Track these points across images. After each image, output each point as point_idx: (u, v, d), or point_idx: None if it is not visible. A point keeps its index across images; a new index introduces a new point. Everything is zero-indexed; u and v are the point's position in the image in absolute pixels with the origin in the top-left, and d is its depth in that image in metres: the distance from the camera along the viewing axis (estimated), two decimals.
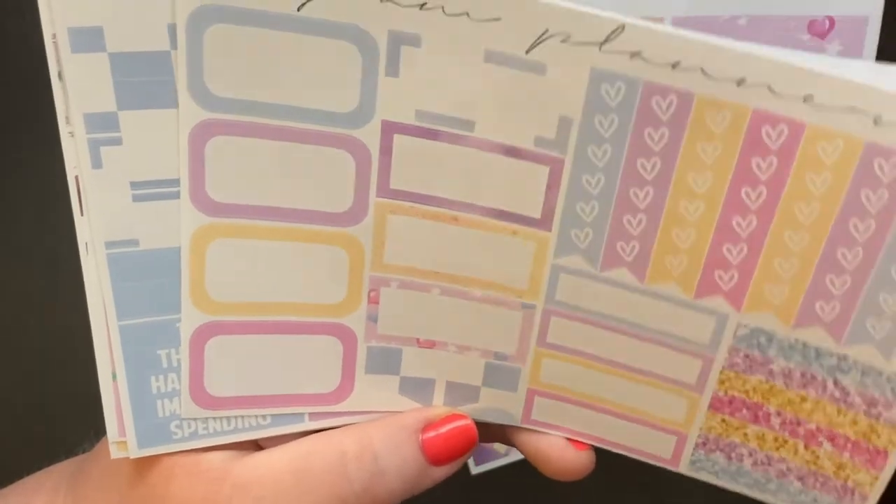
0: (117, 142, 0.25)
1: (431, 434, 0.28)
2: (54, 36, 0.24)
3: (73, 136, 0.25)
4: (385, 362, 0.29)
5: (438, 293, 0.28)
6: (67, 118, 0.25)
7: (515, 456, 0.51)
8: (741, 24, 0.25)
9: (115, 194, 0.26)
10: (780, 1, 0.32)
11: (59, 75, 0.25)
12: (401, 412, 0.29)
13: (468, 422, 0.29)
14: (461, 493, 0.51)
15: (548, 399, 0.29)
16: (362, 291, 0.28)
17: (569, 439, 0.30)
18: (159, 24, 0.24)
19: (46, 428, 0.48)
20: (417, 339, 0.29)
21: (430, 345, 0.29)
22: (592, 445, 0.30)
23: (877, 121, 0.23)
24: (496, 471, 0.51)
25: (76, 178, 0.26)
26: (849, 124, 0.23)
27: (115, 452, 0.28)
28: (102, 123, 0.25)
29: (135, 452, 0.28)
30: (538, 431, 0.30)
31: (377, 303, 0.28)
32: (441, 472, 0.28)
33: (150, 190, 0.26)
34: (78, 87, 0.24)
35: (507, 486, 0.52)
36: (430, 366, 0.29)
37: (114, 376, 0.27)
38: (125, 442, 0.28)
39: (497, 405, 0.29)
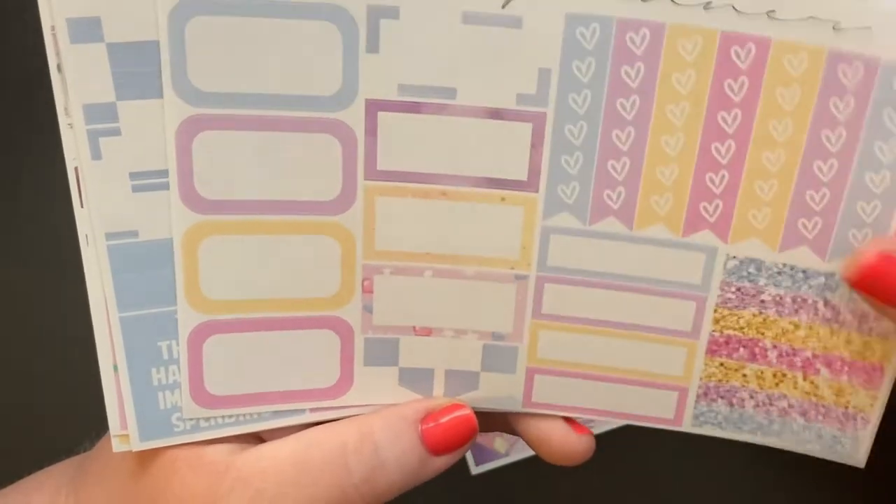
0: (116, 132, 0.25)
1: (431, 424, 0.28)
2: (53, 28, 0.24)
3: (72, 127, 0.25)
4: (383, 353, 0.29)
5: (431, 275, 0.28)
6: (67, 110, 0.25)
7: (515, 456, 0.51)
8: None
9: (114, 185, 0.26)
10: None
11: (59, 67, 0.25)
12: (400, 404, 0.29)
13: (468, 412, 0.29)
14: (461, 493, 0.51)
15: (547, 376, 0.29)
16: (355, 282, 0.28)
17: (569, 423, 0.30)
18: (157, 15, 0.24)
19: (46, 428, 0.48)
20: (414, 327, 0.29)
21: (427, 332, 0.29)
22: (593, 433, 0.30)
23: (835, 27, 0.24)
24: (496, 471, 0.51)
25: (76, 169, 0.26)
26: (811, 34, 0.24)
27: (117, 446, 0.28)
28: (101, 114, 0.25)
29: (136, 445, 0.28)
30: (539, 416, 0.30)
31: (371, 292, 0.28)
32: (441, 463, 0.28)
33: (150, 181, 0.26)
34: (77, 78, 0.25)
35: (507, 486, 0.52)
36: (428, 354, 0.29)
37: (115, 368, 0.27)
38: (127, 435, 0.28)
39: (497, 391, 0.29)
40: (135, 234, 0.26)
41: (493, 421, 0.31)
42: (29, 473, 0.33)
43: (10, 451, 0.46)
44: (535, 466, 0.51)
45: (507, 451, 0.51)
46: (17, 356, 0.48)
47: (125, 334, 0.27)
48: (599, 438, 0.31)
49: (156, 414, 0.28)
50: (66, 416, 0.47)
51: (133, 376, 0.27)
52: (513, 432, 0.31)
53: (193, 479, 0.27)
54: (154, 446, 0.28)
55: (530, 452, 0.51)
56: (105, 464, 0.30)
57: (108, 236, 0.26)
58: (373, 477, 0.27)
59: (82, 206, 0.26)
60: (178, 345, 0.27)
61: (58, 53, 0.25)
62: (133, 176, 0.26)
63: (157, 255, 0.26)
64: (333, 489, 0.27)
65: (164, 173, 0.26)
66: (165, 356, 0.28)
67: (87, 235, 0.26)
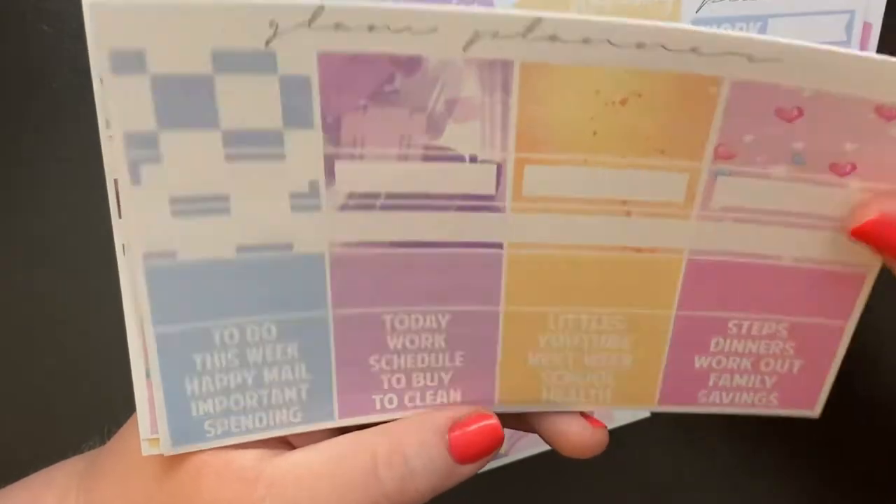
0: (157, 160, 0.26)
1: (458, 433, 0.29)
2: None
3: (112, 139, 0.26)
4: None
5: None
6: (108, 122, 0.25)
7: (515, 456, 0.52)
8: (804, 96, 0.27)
9: (154, 209, 0.26)
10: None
11: (102, 80, 0.25)
12: (428, 412, 0.30)
13: (494, 420, 0.30)
14: (461, 493, 0.52)
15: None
16: None
17: (585, 417, 0.31)
18: (201, 48, 0.24)
19: (53, 424, 0.48)
20: None
21: None
22: (606, 427, 0.31)
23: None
24: (496, 471, 0.52)
25: (115, 181, 0.26)
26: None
27: (146, 449, 0.29)
28: (142, 142, 0.25)
29: (168, 450, 0.29)
30: (556, 413, 0.31)
31: None
32: (468, 470, 0.29)
33: (189, 206, 0.26)
34: (119, 108, 0.25)
35: (507, 486, 0.52)
36: None
37: (147, 374, 0.28)
38: (157, 439, 0.28)
39: None
40: (173, 254, 0.27)
41: (511, 419, 0.32)
42: (35, 470, 0.33)
43: (16, 448, 0.46)
44: (535, 466, 0.52)
45: (507, 451, 0.52)
46: (21, 354, 0.48)
47: (160, 348, 0.28)
48: None
49: (188, 421, 0.28)
50: (74, 412, 0.47)
51: (167, 386, 0.28)
52: (530, 429, 0.32)
53: (222, 486, 0.28)
54: (185, 451, 0.29)
55: (530, 452, 0.52)
56: (123, 466, 0.30)
57: (146, 256, 0.27)
58: (403, 486, 0.28)
59: (120, 217, 0.26)
60: (212, 357, 0.28)
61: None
62: (173, 201, 0.26)
63: (194, 275, 0.27)
64: (365, 499, 0.28)
65: (204, 199, 0.26)
66: (199, 368, 0.28)
67: (123, 245, 0.27)
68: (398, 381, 0.30)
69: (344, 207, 0.27)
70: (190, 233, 0.26)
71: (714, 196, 0.28)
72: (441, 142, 0.26)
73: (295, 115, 0.26)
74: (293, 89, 0.25)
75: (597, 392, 0.31)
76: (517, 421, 0.32)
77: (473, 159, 0.27)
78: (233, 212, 0.27)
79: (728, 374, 0.31)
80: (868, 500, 0.52)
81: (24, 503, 0.31)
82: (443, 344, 0.30)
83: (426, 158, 0.27)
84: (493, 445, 0.29)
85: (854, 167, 0.27)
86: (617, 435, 0.51)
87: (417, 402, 0.31)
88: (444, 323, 0.29)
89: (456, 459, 0.29)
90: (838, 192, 0.28)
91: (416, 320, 0.29)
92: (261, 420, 0.29)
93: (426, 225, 0.28)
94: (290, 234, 0.27)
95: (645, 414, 0.52)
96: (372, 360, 0.30)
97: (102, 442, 0.33)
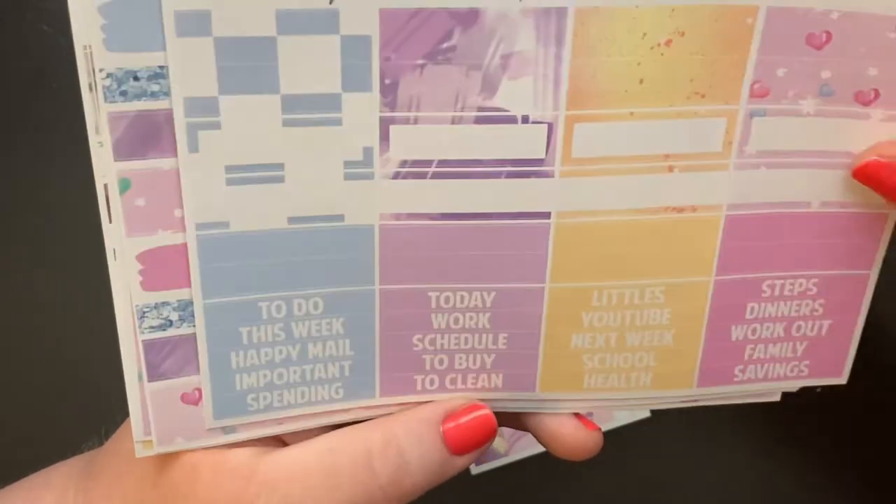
0: (216, 126, 0.26)
1: (452, 425, 0.29)
2: (86, 47, 0.25)
3: (102, 145, 0.26)
4: None
5: None
6: (97, 128, 0.26)
7: (515, 456, 0.52)
8: (833, 18, 0.28)
9: (209, 178, 0.26)
10: None
11: (90, 86, 0.25)
12: (421, 405, 0.30)
13: (487, 411, 0.30)
14: (461, 493, 0.52)
15: None
16: None
17: (579, 419, 0.31)
18: (266, 9, 0.25)
19: (51, 426, 0.48)
20: None
21: None
22: (601, 429, 0.31)
23: None
24: (496, 471, 0.52)
25: (105, 186, 0.26)
26: None
27: (139, 451, 0.29)
28: (202, 108, 0.25)
29: (210, 424, 0.29)
30: (550, 413, 0.31)
31: None
32: (463, 462, 0.29)
33: (245, 174, 0.26)
34: (180, 72, 0.25)
35: (507, 486, 0.52)
36: None
37: (139, 377, 0.28)
38: (151, 441, 0.29)
39: None
40: (226, 224, 0.27)
41: (506, 418, 0.32)
42: (35, 471, 0.34)
43: (15, 449, 0.47)
44: (535, 466, 0.52)
45: (507, 451, 0.52)
46: (20, 355, 0.48)
47: (207, 321, 0.28)
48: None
49: (232, 394, 0.29)
50: (71, 414, 0.48)
51: (212, 360, 0.28)
52: (524, 429, 0.32)
53: (218, 484, 0.28)
54: (229, 424, 0.29)
55: (530, 452, 0.52)
56: (119, 466, 0.30)
57: (199, 226, 0.27)
58: (398, 479, 0.28)
59: (111, 222, 0.26)
60: (258, 331, 0.28)
61: (89, 73, 0.25)
62: (229, 169, 0.26)
63: (245, 246, 0.27)
64: (360, 492, 0.28)
65: (260, 167, 0.26)
66: (245, 341, 0.28)
67: (114, 250, 0.27)
68: (440, 362, 0.30)
69: (396, 176, 0.27)
70: (244, 203, 0.27)
71: (749, 140, 0.29)
72: (495, 102, 0.27)
73: (353, 78, 0.26)
74: (353, 50, 0.26)
75: (637, 376, 0.31)
76: (512, 420, 0.32)
77: (525, 120, 0.27)
78: (287, 181, 0.27)
79: (762, 344, 0.32)
80: (869, 500, 0.52)
81: (23, 502, 0.32)
82: (487, 324, 0.30)
83: (479, 121, 0.27)
84: (487, 436, 0.29)
85: (877, 94, 0.28)
86: (617, 435, 0.51)
87: (458, 384, 0.31)
88: (489, 301, 0.29)
89: (450, 451, 0.29)
90: (862, 127, 0.29)
91: (462, 298, 0.29)
92: (303, 395, 0.29)
93: (475, 194, 0.28)
94: (342, 205, 0.28)
95: (645, 414, 0.52)
96: (415, 339, 0.30)
97: (101, 443, 0.33)
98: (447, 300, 0.29)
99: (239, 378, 0.29)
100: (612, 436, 0.51)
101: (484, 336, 0.30)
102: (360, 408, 0.30)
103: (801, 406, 0.50)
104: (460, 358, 0.30)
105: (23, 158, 0.46)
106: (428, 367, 0.30)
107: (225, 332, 0.28)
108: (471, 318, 0.30)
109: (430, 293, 0.29)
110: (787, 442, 0.52)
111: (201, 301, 0.28)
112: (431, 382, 0.31)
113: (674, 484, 0.53)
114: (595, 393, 0.31)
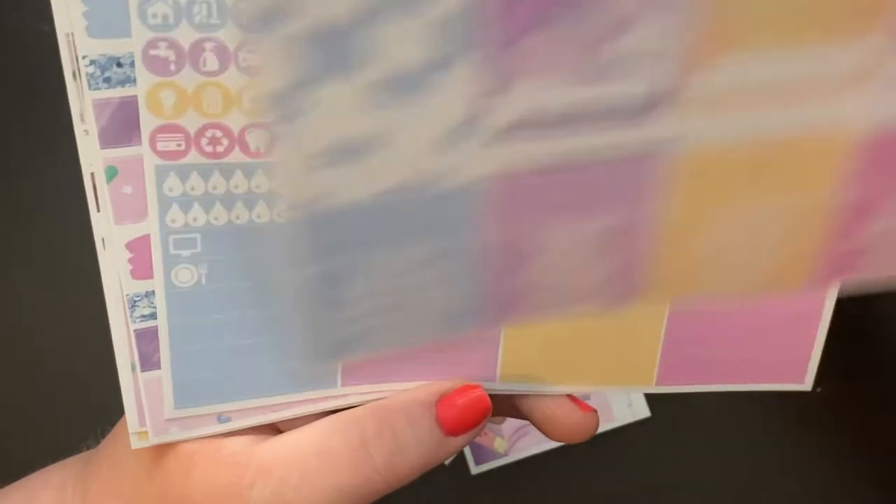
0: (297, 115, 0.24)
1: (446, 405, 0.29)
2: (69, 35, 0.25)
3: (87, 133, 0.26)
4: None
5: None
6: (82, 116, 0.26)
7: (515, 456, 0.52)
8: None
9: (299, 161, 0.25)
10: None
11: (74, 75, 0.25)
12: (414, 387, 0.30)
13: (480, 392, 0.30)
14: (461, 493, 0.52)
15: None
16: None
17: (574, 401, 0.31)
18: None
19: (49, 425, 0.48)
20: None
21: None
22: (596, 410, 0.31)
23: None
24: (496, 471, 0.52)
25: (91, 175, 0.26)
26: None
27: (135, 443, 0.29)
28: (287, 95, 0.24)
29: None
30: (544, 396, 0.31)
31: None
32: (458, 442, 0.29)
33: (337, 153, 0.25)
34: (264, 60, 0.23)
35: (507, 486, 0.52)
36: None
37: (133, 368, 0.28)
38: (146, 432, 0.28)
39: None
40: (321, 200, 0.25)
41: (499, 405, 0.32)
42: (33, 471, 0.33)
43: (13, 449, 0.47)
44: (535, 466, 0.52)
45: (507, 451, 0.52)
46: (18, 354, 0.48)
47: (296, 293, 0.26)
48: (600, 438, 0.32)
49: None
50: (69, 413, 0.47)
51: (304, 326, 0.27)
52: (518, 415, 0.32)
53: (214, 473, 0.28)
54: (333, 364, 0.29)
55: (530, 452, 0.52)
56: (114, 460, 0.30)
57: (292, 207, 0.25)
58: (393, 461, 0.28)
59: (98, 211, 0.27)
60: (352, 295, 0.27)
61: (73, 61, 0.25)
62: (316, 153, 0.25)
63: (337, 219, 0.26)
64: (356, 475, 0.28)
65: (352, 143, 0.25)
66: (336, 307, 0.27)
67: (103, 239, 0.27)
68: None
69: (494, 139, 0.26)
70: (338, 179, 0.25)
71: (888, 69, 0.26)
72: (609, 54, 0.25)
73: (455, 43, 0.24)
74: (457, 13, 0.24)
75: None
76: (507, 407, 0.32)
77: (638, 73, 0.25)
78: (380, 153, 0.25)
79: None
80: (871, 500, 0.52)
81: (21, 502, 0.32)
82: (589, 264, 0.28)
83: (589, 79, 0.25)
84: (481, 416, 0.29)
85: None
86: (617, 435, 0.51)
87: None
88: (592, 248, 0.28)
89: (445, 431, 0.29)
90: None
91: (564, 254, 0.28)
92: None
93: (582, 144, 0.26)
94: (437, 171, 0.26)
95: (645, 414, 0.52)
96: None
97: (98, 442, 0.33)
98: (550, 260, 0.27)
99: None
100: (612, 436, 0.51)
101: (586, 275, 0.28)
102: (354, 393, 0.30)
103: (802, 406, 0.50)
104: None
105: (23, 158, 0.46)
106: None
107: (316, 302, 0.26)
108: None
109: (529, 254, 0.27)
110: (788, 442, 0.52)
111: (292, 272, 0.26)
112: None
113: (674, 484, 0.53)
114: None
